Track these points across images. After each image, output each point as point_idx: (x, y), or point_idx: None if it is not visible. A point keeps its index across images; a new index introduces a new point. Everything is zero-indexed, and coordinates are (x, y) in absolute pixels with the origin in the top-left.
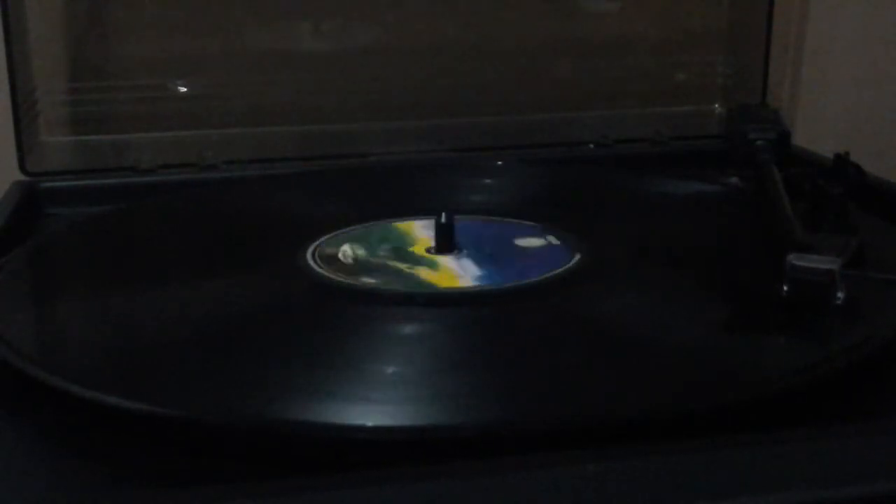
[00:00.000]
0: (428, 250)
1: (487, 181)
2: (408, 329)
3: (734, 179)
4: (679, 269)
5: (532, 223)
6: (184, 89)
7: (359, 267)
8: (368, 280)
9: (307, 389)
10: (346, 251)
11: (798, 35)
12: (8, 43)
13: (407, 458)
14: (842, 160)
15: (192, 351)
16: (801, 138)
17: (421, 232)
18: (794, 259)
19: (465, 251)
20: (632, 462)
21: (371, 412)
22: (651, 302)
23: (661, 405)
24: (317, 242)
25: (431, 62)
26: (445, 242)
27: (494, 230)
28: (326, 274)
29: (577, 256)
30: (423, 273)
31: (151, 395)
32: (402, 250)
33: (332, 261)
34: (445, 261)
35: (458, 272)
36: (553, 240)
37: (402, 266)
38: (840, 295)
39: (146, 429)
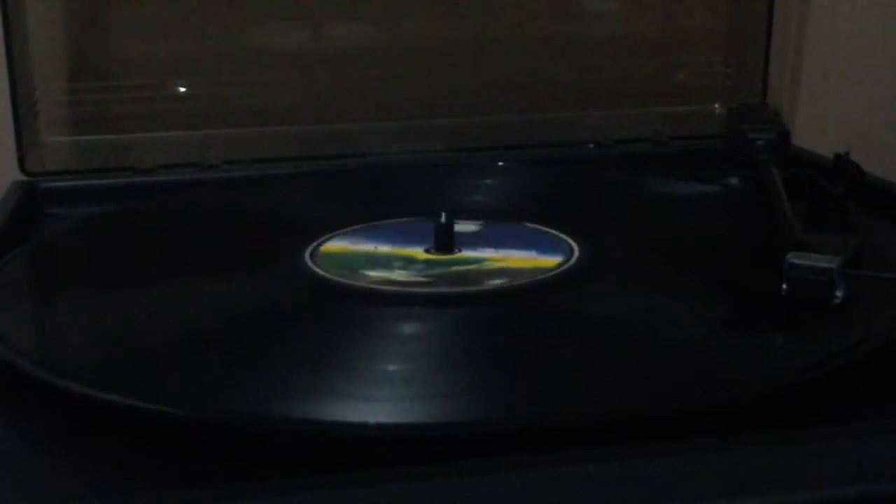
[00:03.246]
0: (427, 251)
1: (487, 181)
2: (408, 329)
3: (734, 179)
4: (679, 269)
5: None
6: (184, 89)
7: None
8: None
9: (307, 389)
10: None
11: (798, 35)
12: (8, 43)
13: (406, 457)
14: (842, 160)
15: (192, 351)
16: (801, 138)
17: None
18: (792, 258)
19: (468, 244)
20: (632, 462)
21: (372, 411)
22: (651, 302)
23: (661, 405)
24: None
25: (431, 62)
26: (445, 242)
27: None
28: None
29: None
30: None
31: (151, 395)
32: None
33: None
34: (489, 252)
35: (524, 255)
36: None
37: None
38: (839, 294)
39: (146, 428)
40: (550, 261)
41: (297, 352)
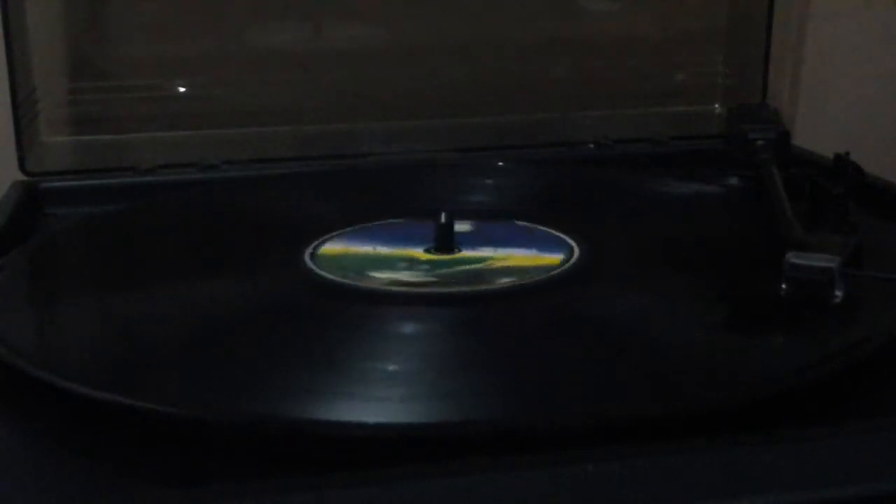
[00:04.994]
0: (427, 251)
1: (487, 181)
2: (408, 329)
3: (734, 179)
4: (679, 268)
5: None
6: (184, 89)
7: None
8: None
9: (307, 388)
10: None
11: (798, 35)
12: (8, 43)
13: (406, 457)
14: (842, 160)
15: (192, 350)
16: (801, 138)
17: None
18: (792, 258)
19: (467, 244)
20: (632, 462)
21: (371, 410)
22: (651, 302)
23: (661, 405)
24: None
25: (431, 62)
26: (445, 242)
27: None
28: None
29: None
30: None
31: (151, 394)
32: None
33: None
34: (489, 251)
35: (525, 254)
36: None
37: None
38: (838, 293)
39: (146, 428)
40: (553, 258)
41: (296, 352)
